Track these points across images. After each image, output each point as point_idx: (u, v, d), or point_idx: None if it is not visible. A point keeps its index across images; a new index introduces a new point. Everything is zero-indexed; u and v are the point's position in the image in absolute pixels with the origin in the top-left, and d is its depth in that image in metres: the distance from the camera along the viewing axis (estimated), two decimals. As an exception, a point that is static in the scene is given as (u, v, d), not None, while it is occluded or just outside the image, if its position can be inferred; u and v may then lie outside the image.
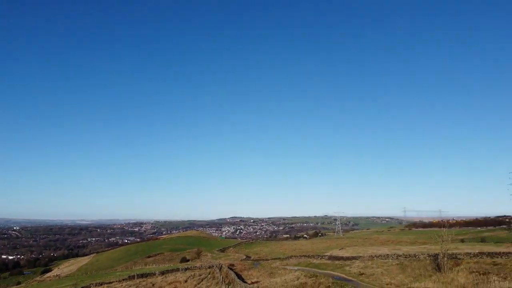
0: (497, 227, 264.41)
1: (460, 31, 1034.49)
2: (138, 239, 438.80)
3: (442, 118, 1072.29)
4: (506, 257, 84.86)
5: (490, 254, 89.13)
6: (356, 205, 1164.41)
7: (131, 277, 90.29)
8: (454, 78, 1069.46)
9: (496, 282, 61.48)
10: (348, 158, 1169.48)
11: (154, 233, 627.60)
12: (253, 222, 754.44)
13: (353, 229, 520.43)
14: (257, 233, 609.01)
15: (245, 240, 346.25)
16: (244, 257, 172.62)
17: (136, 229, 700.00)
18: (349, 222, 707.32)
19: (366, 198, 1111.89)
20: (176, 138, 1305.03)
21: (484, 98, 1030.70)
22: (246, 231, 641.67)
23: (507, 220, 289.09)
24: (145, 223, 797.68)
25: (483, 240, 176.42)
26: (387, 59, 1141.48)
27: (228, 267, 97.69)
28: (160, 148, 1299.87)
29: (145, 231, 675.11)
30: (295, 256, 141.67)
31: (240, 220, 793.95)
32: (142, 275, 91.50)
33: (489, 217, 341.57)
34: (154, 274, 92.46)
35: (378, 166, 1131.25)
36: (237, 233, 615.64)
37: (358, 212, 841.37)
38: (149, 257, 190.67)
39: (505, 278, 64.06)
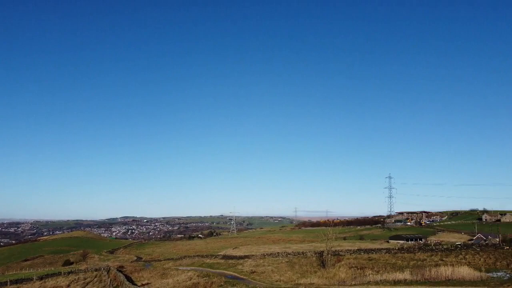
0: (373, 226, 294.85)
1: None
2: (14, 241, 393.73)
3: (329, 125, 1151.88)
4: (380, 252, 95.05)
5: (367, 251, 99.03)
6: (251, 205, 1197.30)
7: (2, 284, 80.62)
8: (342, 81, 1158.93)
9: (371, 275, 68.41)
10: (243, 159, 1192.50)
11: (33, 234, 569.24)
12: (147, 222, 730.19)
13: (247, 229, 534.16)
14: (151, 233, 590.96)
15: (137, 241, 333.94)
16: (135, 258, 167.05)
17: (12, 230, 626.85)
18: (244, 222, 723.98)
19: (260, 198, 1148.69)
20: (59, 133, 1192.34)
21: (364, 106, 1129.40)
22: (139, 231, 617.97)
23: (381, 219, 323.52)
24: (23, 223, 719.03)
25: (361, 238, 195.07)
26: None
27: (117, 269, 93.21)
28: (42, 141, 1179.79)
29: (22, 232, 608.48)
30: (189, 256, 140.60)
31: (133, 220, 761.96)
32: (16, 281, 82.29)
33: (368, 217, 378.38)
34: (31, 279, 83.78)
35: (272, 167, 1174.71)
36: (129, 233, 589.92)
37: (252, 212, 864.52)
38: (26, 260, 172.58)
39: (378, 272, 71.59)
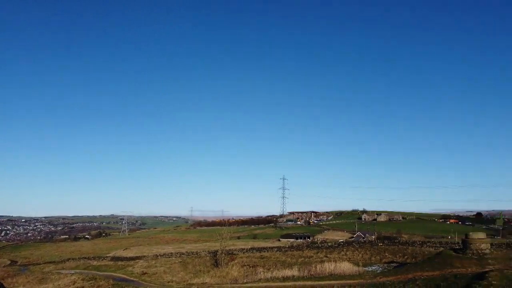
0: (267, 225, 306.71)
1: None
2: None
3: (225, 125, 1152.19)
4: (271, 251, 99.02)
5: (259, 249, 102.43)
6: (144, 204, 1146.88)
7: None
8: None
9: (262, 273, 70.72)
10: (137, 157, 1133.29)
11: None
12: (25, 221, 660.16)
13: (140, 229, 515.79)
14: (29, 234, 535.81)
15: (12, 243, 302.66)
16: (9, 262, 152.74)
17: None
18: (137, 222, 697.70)
19: (155, 198, 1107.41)
20: None
21: (258, 106, 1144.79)
22: (15, 232, 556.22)
23: (274, 219, 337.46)
24: None
25: (255, 237, 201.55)
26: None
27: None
28: None
29: None
30: (73, 259, 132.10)
31: (8, 220, 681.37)
32: None
33: (262, 217, 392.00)
34: None
35: (167, 166, 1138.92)
36: (3, 234, 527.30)
37: (146, 212, 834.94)
38: None
39: (269, 269, 74.32)
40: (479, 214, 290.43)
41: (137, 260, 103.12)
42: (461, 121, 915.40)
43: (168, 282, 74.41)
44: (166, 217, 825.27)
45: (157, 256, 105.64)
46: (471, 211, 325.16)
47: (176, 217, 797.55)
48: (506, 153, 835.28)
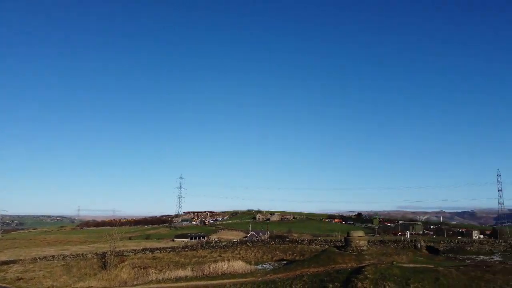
0: (161, 225, 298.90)
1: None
2: None
3: (115, 125, 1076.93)
4: (164, 251, 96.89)
5: (152, 250, 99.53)
6: (23, 202, 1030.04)
7: None
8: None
9: (153, 274, 68.82)
10: (14, 150, 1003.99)
11: None
12: None
13: (17, 229, 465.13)
14: None
15: None
16: None
17: None
18: (13, 221, 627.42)
19: (35, 195, 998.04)
20: None
21: (152, 107, 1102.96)
22: None
23: (169, 219, 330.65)
24: None
25: (148, 237, 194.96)
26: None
27: None
28: None
29: None
30: None
31: None
32: None
33: (156, 217, 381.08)
34: None
35: (50, 160, 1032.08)
36: None
37: (25, 210, 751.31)
38: None
39: (161, 270, 72.61)
40: (359, 214, 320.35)
41: (11, 265, 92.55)
42: (343, 124, 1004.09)
43: (48, 287, 68.40)
44: (49, 216, 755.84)
45: (36, 259, 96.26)
46: (353, 211, 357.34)
47: (61, 216, 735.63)
48: (384, 160, 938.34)
